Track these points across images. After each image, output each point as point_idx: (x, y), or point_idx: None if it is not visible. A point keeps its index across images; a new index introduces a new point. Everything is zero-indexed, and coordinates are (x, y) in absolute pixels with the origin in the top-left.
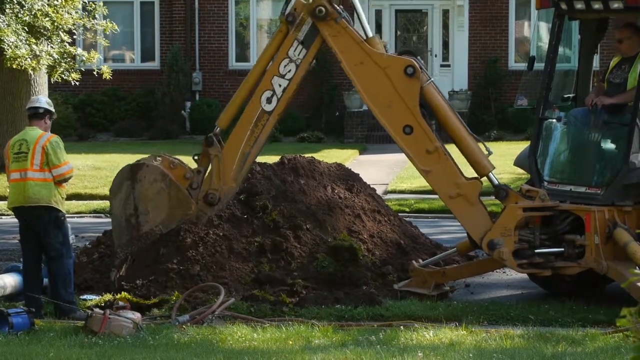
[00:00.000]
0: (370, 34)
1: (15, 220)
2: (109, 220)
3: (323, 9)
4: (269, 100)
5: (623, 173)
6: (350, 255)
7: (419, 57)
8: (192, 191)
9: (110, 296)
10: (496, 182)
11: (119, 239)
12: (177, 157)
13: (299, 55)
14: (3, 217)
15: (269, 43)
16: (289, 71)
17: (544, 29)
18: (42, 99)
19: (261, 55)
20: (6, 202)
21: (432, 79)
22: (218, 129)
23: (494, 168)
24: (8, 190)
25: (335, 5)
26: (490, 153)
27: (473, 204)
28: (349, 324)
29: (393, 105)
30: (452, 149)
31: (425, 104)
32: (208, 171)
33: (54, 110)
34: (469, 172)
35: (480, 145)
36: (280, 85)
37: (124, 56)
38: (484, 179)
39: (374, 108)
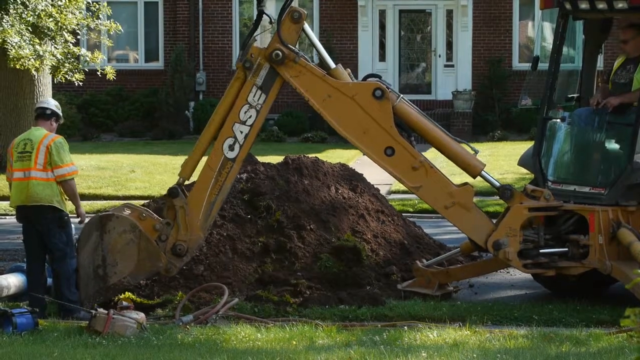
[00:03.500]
0: (333, 65)
1: None
2: None
3: (279, 52)
4: (231, 148)
5: (627, 173)
6: (354, 256)
7: (382, 78)
8: (161, 243)
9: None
10: (495, 181)
11: (85, 290)
12: (145, 207)
13: (258, 100)
14: (7, 217)
15: (226, 91)
16: (250, 117)
17: (548, 29)
18: (52, 102)
19: (219, 104)
20: (9, 203)
21: (402, 96)
22: (181, 179)
23: (484, 166)
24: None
25: (291, 46)
26: (476, 152)
27: (469, 210)
28: (352, 324)
29: (369, 130)
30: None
31: (400, 122)
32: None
33: (61, 114)
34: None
35: (465, 146)
36: (241, 132)
37: (127, 56)
38: (478, 180)
39: (350, 137)
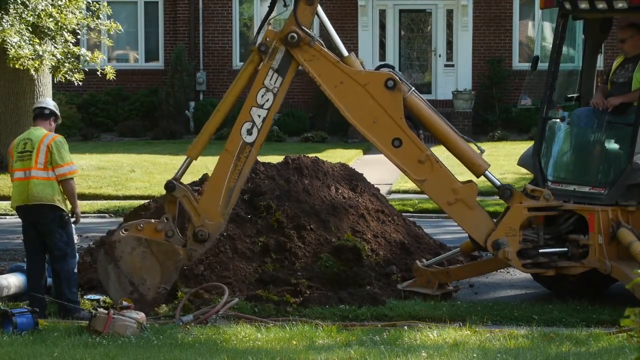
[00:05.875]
0: (346, 53)
1: (19, 220)
2: (113, 220)
3: (295, 35)
4: (249, 132)
5: (627, 173)
6: (354, 255)
7: (396, 69)
8: (170, 239)
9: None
10: (497, 181)
11: None
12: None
13: (275, 83)
14: (7, 217)
15: (240, 73)
16: (267, 101)
17: (548, 29)
18: (50, 101)
19: (232, 86)
20: (9, 203)
21: (413, 88)
22: (189, 159)
23: (489, 166)
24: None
25: (307, 29)
26: (482, 152)
27: (472, 208)
28: (352, 323)
29: (378, 120)
30: (444, 153)
31: (410, 114)
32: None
33: (59, 114)
34: (464, 175)
35: (472, 145)
36: (259, 116)
37: (127, 56)
38: (480, 179)
39: (359, 126)
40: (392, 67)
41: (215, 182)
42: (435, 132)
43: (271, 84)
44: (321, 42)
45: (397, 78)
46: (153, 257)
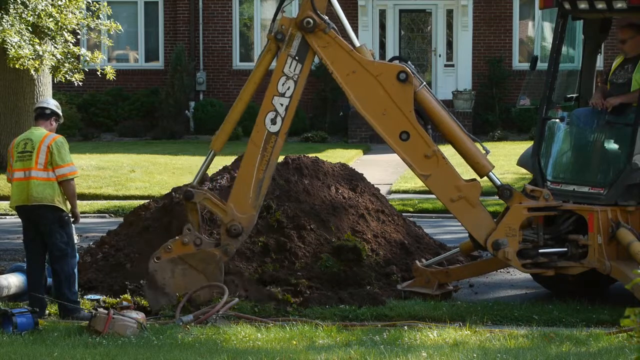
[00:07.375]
0: (358, 44)
1: (19, 220)
2: (113, 220)
3: (311, 20)
4: (273, 121)
5: (626, 173)
6: (354, 255)
7: (409, 62)
8: (200, 246)
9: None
10: (498, 182)
11: None
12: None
13: (295, 71)
14: (7, 217)
15: (258, 62)
16: (288, 88)
17: (548, 29)
18: (51, 101)
19: (251, 76)
20: (9, 203)
21: (425, 83)
22: (212, 151)
23: (493, 167)
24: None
25: (323, 16)
26: (487, 152)
27: (474, 206)
28: (352, 323)
29: (388, 112)
30: (448, 151)
31: (419, 109)
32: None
33: (61, 114)
34: (467, 174)
35: (478, 145)
36: (282, 105)
37: (127, 56)
38: (483, 179)
39: (368, 116)
40: (406, 60)
41: (244, 174)
42: (442, 128)
43: (291, 71)
44: (336, 29)
45: (410, 71)
46: (193, 269)
